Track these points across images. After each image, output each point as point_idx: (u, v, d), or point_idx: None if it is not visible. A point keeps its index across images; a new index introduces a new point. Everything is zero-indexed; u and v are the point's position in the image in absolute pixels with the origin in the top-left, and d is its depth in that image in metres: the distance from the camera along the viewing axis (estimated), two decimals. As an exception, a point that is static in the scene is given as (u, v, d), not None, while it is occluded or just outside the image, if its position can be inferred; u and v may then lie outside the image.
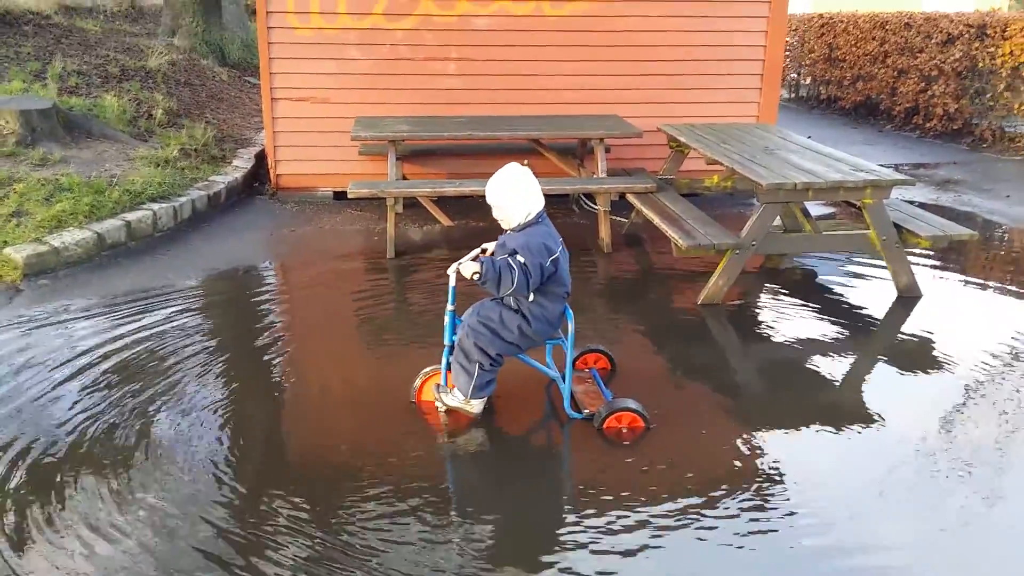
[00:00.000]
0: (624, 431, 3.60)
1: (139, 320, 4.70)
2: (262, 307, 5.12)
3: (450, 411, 3.71)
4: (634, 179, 6.23)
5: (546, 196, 3.56)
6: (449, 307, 3.63)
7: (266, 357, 4.33)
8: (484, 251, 3.66)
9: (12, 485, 3.17)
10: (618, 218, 6.50)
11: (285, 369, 4.22)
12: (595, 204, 6.49)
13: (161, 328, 4.60)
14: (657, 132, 6.58)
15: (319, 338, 4.62)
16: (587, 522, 3.01)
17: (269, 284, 5.59)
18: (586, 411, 3.69)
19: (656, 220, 5.47)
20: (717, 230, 5.20)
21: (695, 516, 3.06)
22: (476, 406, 3.67)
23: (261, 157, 7.73)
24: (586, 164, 6.89)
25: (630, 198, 6.03)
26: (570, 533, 2.95)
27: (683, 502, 3.14)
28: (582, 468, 3.42)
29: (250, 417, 3.73)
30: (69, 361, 4.18)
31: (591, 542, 2.90)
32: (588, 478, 3.29)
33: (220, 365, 4.20)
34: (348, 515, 3.03)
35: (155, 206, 6.18)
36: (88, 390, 3.90)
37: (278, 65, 6.96)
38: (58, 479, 3.21)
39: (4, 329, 4.54)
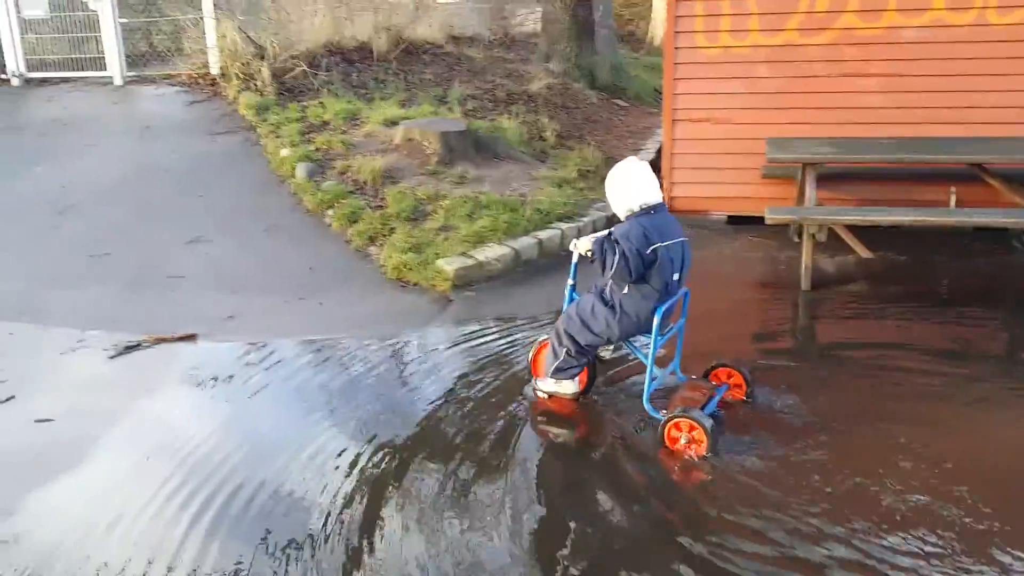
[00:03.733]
0: (683, 443, 3.41)
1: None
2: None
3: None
4: (1124, 213, 5.16)
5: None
6: (570, 281, 3.88)
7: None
8: (610, 234, 3.67)
9: (374, 474, 3.44)
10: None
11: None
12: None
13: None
14: None
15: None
16: None
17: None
18: (663, 412, 3.52)
19: None
20: None
21: None
22: (567, 387, 3.83)
23: (648, 179, 7.64)
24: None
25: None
26: None
27: None
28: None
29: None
30: (484, 371, 4.35)
31: None
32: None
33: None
34: None
35: (562, 225, 6.29)
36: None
37: (682, 86, 6.79)
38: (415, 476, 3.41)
39: (436, 334, 4.89)
